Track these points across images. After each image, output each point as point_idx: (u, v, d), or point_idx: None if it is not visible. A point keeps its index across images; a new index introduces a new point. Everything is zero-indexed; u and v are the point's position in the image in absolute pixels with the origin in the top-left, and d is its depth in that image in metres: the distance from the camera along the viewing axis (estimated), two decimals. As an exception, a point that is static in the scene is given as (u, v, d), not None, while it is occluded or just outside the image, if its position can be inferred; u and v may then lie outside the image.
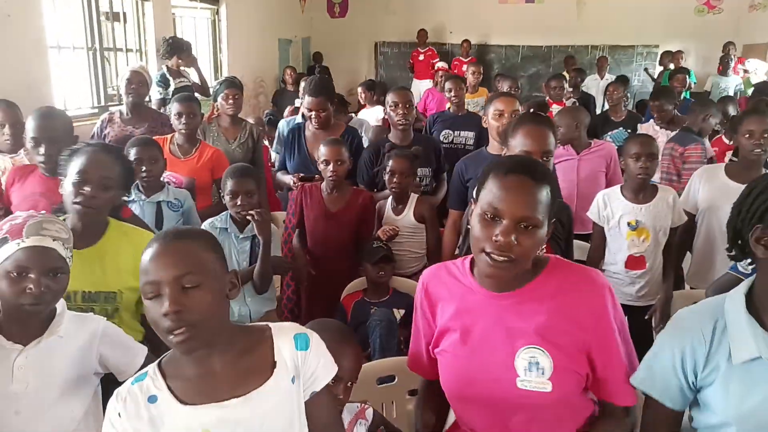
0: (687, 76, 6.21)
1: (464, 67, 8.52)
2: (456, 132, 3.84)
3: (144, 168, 2.51)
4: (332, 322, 1.66)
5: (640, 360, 1.29)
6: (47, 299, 1.42)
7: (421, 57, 9.02)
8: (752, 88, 7.08)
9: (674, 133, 3.98)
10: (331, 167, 2.63)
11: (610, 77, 7.77)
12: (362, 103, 5.63)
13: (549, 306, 1.24)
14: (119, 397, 1.09)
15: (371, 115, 5.35)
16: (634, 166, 2.46)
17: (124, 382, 1.14)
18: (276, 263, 2.44)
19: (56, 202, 2.26)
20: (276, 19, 8.64)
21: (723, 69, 7.85)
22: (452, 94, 4.06)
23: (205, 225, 2.42)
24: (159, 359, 1.14)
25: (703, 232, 2.69)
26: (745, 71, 7.90)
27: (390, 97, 3.09)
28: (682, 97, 5.69)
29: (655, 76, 8.73)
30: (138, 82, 3.46)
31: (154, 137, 2.95)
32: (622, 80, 6.36)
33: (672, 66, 8.03)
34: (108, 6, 4.94)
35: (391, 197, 2.83)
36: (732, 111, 4.23)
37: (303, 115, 3.21)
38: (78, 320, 1.53)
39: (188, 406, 1.06)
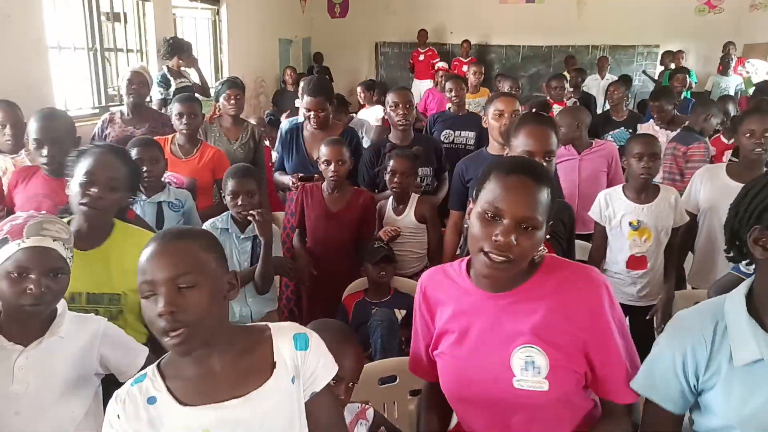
0: (687, 76, 6.20)
1: (464, 68, 8.53)
2: (457, 132, 3.83)
3: (145, 168, 2.51)
4: (334, 322, 1.65)
5: (641, 359, 1.28)
6: (48, 300, 1.42)
7: (422, 57, 9.02)
8: (753, 88, 7.08)
9: (674, 133, 3.98)
10: (332, 167, 2.62)
11: (610, 77, 7.77)
12: (361, 102, 5.63)
13: (545, 305, 1.24)
14: (118, 399, 1.08)
15: (371, 115, 5.36)
16: (637, 165, 2.46)
17: (124, 383, 1.14)
18: (277, 264, 2.44)
19: (60, 203, 2.26)
20: (276, 19, 8.64)
21: (723, 69, 7.85)
22: (453, 94, 4.06)
23: (206, 225, 2.42)
24: (158, 360, 1.14)
25: (704, 232, 2.68)
26: (746, 72, 7.90)
27: (390, 98, 3.09)
28: (682, 97, 5.69)
29: (656, 76, 8.73)
30: (139, 82, 3.45)
31: (155, 137, 2.95)
32: (624, 80, 6.35)
33: (673, 66, 8.03)
34: (108, 6, 4.94)
35: (391, 197, 2.82)
36: (732, 110, 4.23)
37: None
38: (79, 321, 1.53)
39: (188, 407, 1.06)
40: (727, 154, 3.85)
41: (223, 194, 2.46)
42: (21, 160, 2.83)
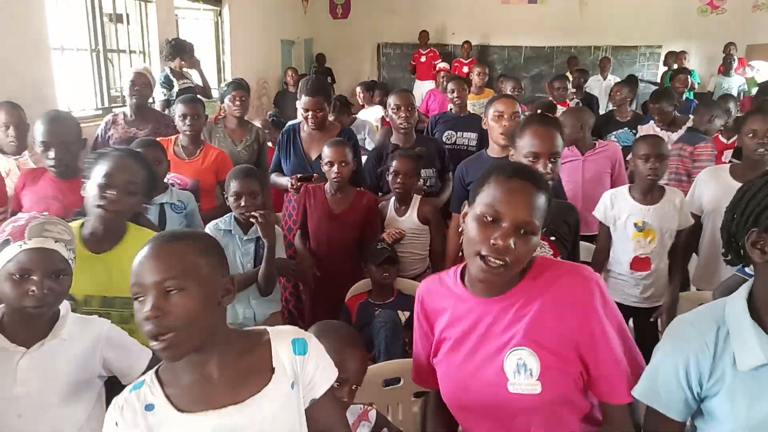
0: (689, 77, 6.19)
1: (465, 69, 8.53)
2: (459, 133, 3.83)
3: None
4: (338, 323, 1.65)
5: (646, 360, 1.26)
6: (50, 301, 1.41)
7: (423, 58, 9.01)
8: (756, 88, 7.07)
9: (674, 134, 3.97)
10: (335, 168, 2.62)
11: (612, 78, 7.76)
12: (361, 103, 5.64)
13: (536, 306, 1.23)
14: (116, 406, 1.08)
15: (370, 116, 5.36)
16: (644, 167, 2.45)
17: (127, 385, 1.14)
18: (281, 265, 2.43)
19: (68, 205, 2.27)
20: (279, 20, 8.64)
21: (725, 69, 7.83)
22: (455, 95, 4.05)
23: (209, 227, 2.42)
24: (157, 367, 1.12)
25: (708, 233, 2.67)
26: (749, 73, 7.89)
27: (392, 100, 3.08)
28: (684, 98, 5.68)
29: (658, 77, 8.72)
30: (142, 83, 3.46)
31: (158, 139, 2.96)
32: (630, 81, 6.32)
33: (676, 66, 8.01)
34: (111, 7, 4.94)
35: (393, 198, 2.82)
36: (732, 109, 4.22)
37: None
38: (82, 323, 1.53)
39: (185, 414, 1.05)
40: (727, 154, 3.85)
41: (226, 195, 2.45)
42: (24, 162, 2.84)
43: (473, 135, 3.75)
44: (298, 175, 2.89)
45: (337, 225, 2.69)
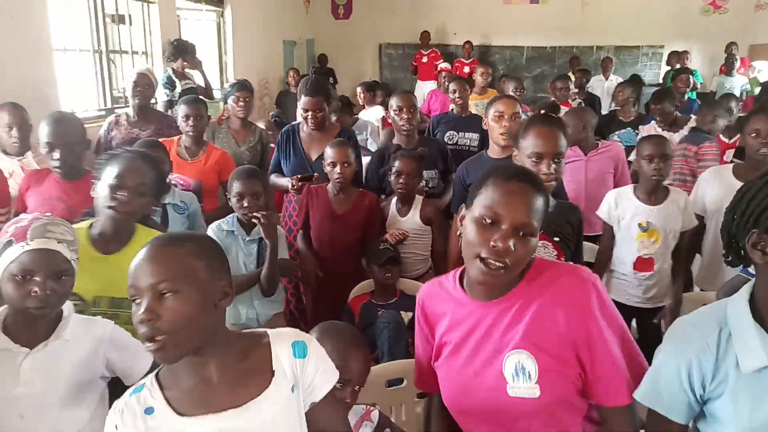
0: (691, 77, 6.17)
1: (466, 69, 8.53)
2: (460, 133, 3.82)
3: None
4: (341, 324, 1.65)
5: (649, 361, 1.25)
6: (52, 302, 1.41)
7: (425, 59, 9.01)
8: (759, 88, 7.05)
9: (675, 134, 3.96)
10: (338, 169, 2.62)
11: (614, 78, 7.75)
12: (361, 103, 5.64)
13: (534, 308, 1.23)
14: (116, 410, 1.08)
15: (371, 116, 5.35)
16: (648, 167, 2.45)
17: (131, 386, 1.14)
18: (284, 266, 2.43)
19: (73, 205, 2.28)
20: (280, 20, 8.64)
21: (728, 69, 7.82)
22: (456, 95, 4.05)
23: (212, 227, 2.41)
24: (157, 369, 1.12)
25: (711, 234, 2.67)
26: (752, 73, 7.87)
27: (394, 102, 3.08)
28: (686, 98, 5.67)
29: (660, 79, 8.70)
30: (144, 84, 3.46)
31: (160, 139, 2.96)
32: (634, 80, 6.30)
33: (678, 66, 8.00)
34: (113, 8, 4.95)
35: (395, 198, 2.82)
36: (734, 108, 4.21)
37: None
38: (85, 324, 1.53)
39: (185, 418, 1.04)
40: (729, 154, 3.84)
41: (228, 196, 2.45)
42: (27, 162, 2.84)
43: (475, 135, 3.74)
44: (299, 176, 2.89)
45: (340, 225, 2.69)
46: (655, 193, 2.50)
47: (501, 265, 1.17)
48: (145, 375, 1.26)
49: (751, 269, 1.93)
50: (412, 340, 2.15)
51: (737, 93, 7.24)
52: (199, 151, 3.11)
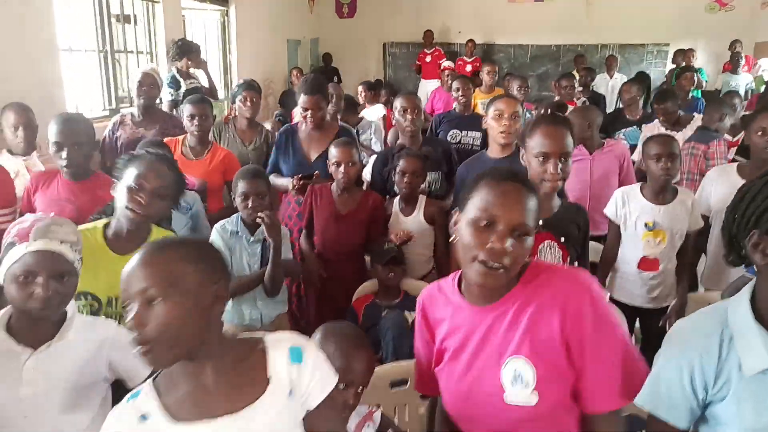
0: (697, 75, 6.13)
1: (468, 67, 8.51)
2: (463, 132, 3.81)
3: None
4: (345, 325, 1.65)
5: (650, 362, 1.23)
6: (55, 303, 1.42)
7: (428, 58, 9.00)
8: (764, 86, 7.02)
9: (679, 133, 3.94)
10: (342, 169, 2.62)
11: (619, 76, 7.72)
12: (362, 102, 5.62)
13: (530, 311, 1.22)
14: (113, 416, 1.08)
15: (372, 114, 5.34)
16: (656, 167, 2.43)
17: (133, 388, 1.14)
18: (289, 266, 2.43)
19: (82, 206, 2.29)
20: (285, 20, 8.65)
21: (733, 67, 7.77)
22: (460, 93, 4.03)
23: (216, 228, 2.42)
24: (156, 375, 1.11)
25: (716, 233, 2.65)
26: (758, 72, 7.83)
27: (398, 103, 3.07)
28: (691, 96, 5.63)
29: (665, 75, 8.66)
30: (149, 84, 3.47)
31: (165, 139, 2.97)
32: (640, 78, 6.25)
33: (684, 64, 7.96)
34: (119, 8, 4.96)
35: (398, 198, 2.82)
36: (738, 105, 4.19)
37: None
38: (89, 324, 1.54)
39: (180, 424, 1.04)
40: (731, 151, 3.82)
41: (233, 196, 2.45)
42: (32, 162, 2.85)
43: (478, 134, 3.73)
44: (300, 175, 2.89)
45: (344, 225, 2.69)
46: (662, 193, 2.49)
47: (499, 265, 1.16)
48: (147, 378, 1.26)
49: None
50: (416, 341, 2.16)
51: (742, 91, 7.20)
52: (204, 150, 3.11)
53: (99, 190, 2.35)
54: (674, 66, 8.42)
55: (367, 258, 2.74)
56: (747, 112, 4.44)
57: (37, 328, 1.45)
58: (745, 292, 1.13)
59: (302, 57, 9.35)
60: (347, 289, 2.61)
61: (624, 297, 2.58)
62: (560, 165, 1.75)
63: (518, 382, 1.21)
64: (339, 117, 4.06)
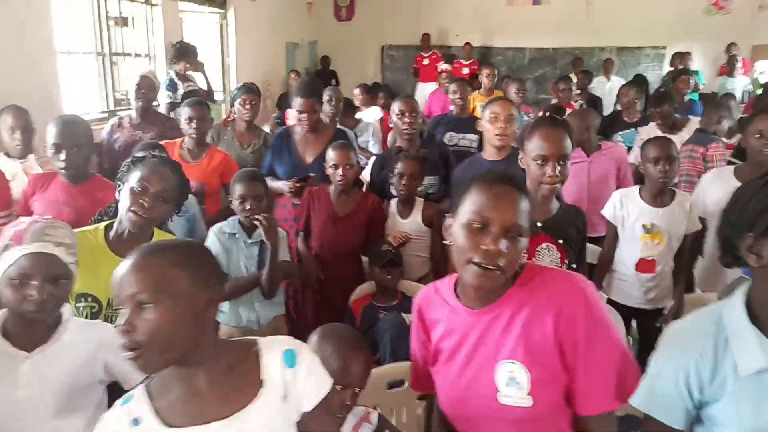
0: (692, 78, 6.13)
1: (465, 70, 8.51)
2: (460, 135, 3.82)
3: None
4: (343, 326, 1.65)
5: (644, 363, 1.23)
6: (50, 306, 1.42)
7: (426, 61, 9.00)
8: (761, 89, 7.03)
9: (675, 135, 3.95)
10: (340, 171, 2.62)
11: (616, 79, 7.74)
12: (357, 104, 5.63)
13: (525, 314, 1.22)
14: (105, 421, 1.07)
15: (368, 116, 5.35)
16: (654, 169, 2.44)
17: (129, 390, 1.13)
18: (286, 268, 2.43)
19: (80, 209, 2.28)
20: (283, 22, 8.66)
21: (729, 70, 7.79)
22: (457, 96, 4.04)
23: (214, 230, 2.42)
24: (149, 379, 1.11)
25: (713, 236, 2.66)
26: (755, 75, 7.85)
27: (396, 106, 3.08)
28: (688, 99, 5.64)
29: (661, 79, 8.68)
30: (147, 86, 3.48)
31: (164, 142, 2.97)
32: (638, 81, 6.26)
33: (681, 67, 7.98)
34: (117, 11, 4.96)
35: (395, 200, 2.82)
36: (733, 108, 4.19)
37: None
38: (85, 327, 1.54)
39: (173, 429, 1.03)
40: (726, 154, 3.82)
41: (230, 198, 2.46)
42: (29, 165, 2.85)
43: (474, 137, 3.73)
44: (297, 178, 2.88)
45: (342, 227, 2.69)
46: (661, 196, 2.49)
47: (494, 267, 1.17)
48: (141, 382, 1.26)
49: (753, 271, 1.92)
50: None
51: (738, 94, 7.21)
52: (202, 153, 3.11)
53: (97, 192, 2.35)
54: (672, 69, 8.44)
55: (365, 260, 2.75)
56: (744, 115, 4.44)
57: (32, 330, 1.45)
58: (740, 294, 1.13)
59: (300, 60, 9.36)
60: (345, 290, 2.61)
61: (621, 298, 2.58)
62: (559, 168, 1.75)
63: (513, 385, 1.21)
64: (337, 120, 4.06)
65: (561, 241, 1.79)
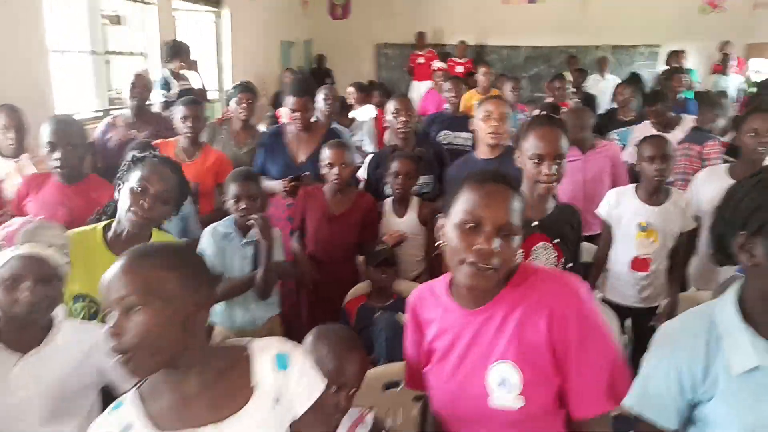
0: (686, 76, 6.13)
1: (459, 68, 8.50)
2: (455, 133, 3.81)
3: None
4: (337, 327, 1.64)
5: (638, 363, 1.23)
6: (42, 307, 1.41)
7: (421, 60, 8.99)
8: (755, 87, 7.05)
9: (669, 134, 3.95)
10: (335, 170, 2.61)
11: (611, 77, 7.75)
12: (351, 103, 5.62)
13: (518, 315, 1.21)
14: (95, 427, 1.06)
15: (362, 115, 5.34)
16: (649, 168, 2.44)
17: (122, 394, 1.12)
18: (282, 268, 2.42)
19: (75, 210, 2.27)
20: (278, 21, 8.63)
21: (723, 68, 7.80)
22: (452, 94, 4.04)
23: (208, 230, 2.41)
24: (140, 383, 1.10)
25: (707, 234, 2.67)
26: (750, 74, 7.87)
27: (391, 105, 3.08)
28: (682, 97, 5.65)
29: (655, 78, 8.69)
30: (141, 85, 3.46)
31: (159, 141, 2.95)
32: (633, 79, 6.27)
33: (676, 65, 7.99)
34: (110, 9, 4.94)
35: (390, 199, 2.81)
36: (727, 106, 4.20)
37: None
38: (79, 329, 1.53)
39: None
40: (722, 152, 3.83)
41: (225, 198, 2.44)
42: (22, 165, 2.83)
43: (469, 135, 3.72)
44: (290, 177, 2.87)
45: (337, 227, 2.68)
46: (656, 194, 2.50)
47: (488, 267, 1.16)
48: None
49: (747, 269, 1.92)
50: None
51: (732, 92, 7.23)
52: (197, 152, 3.09)
53: (92, 192, 2.34)
54: (667, 67, 8.45)
55: (360, 259, 2.74)
56: (738, 114, 4.44)
57: (25, 332, 1.44)
58: (731, 293, 1.13)
59: (295, 58, 9.34)
60: (340, 290, 2.60)
61: (615, 297, 2.59)
62: (555, 166, 1.75)
63: (504, 386, 1.21)
64: (333, 118, 4.04)
65: (557, 240, 1.79)
